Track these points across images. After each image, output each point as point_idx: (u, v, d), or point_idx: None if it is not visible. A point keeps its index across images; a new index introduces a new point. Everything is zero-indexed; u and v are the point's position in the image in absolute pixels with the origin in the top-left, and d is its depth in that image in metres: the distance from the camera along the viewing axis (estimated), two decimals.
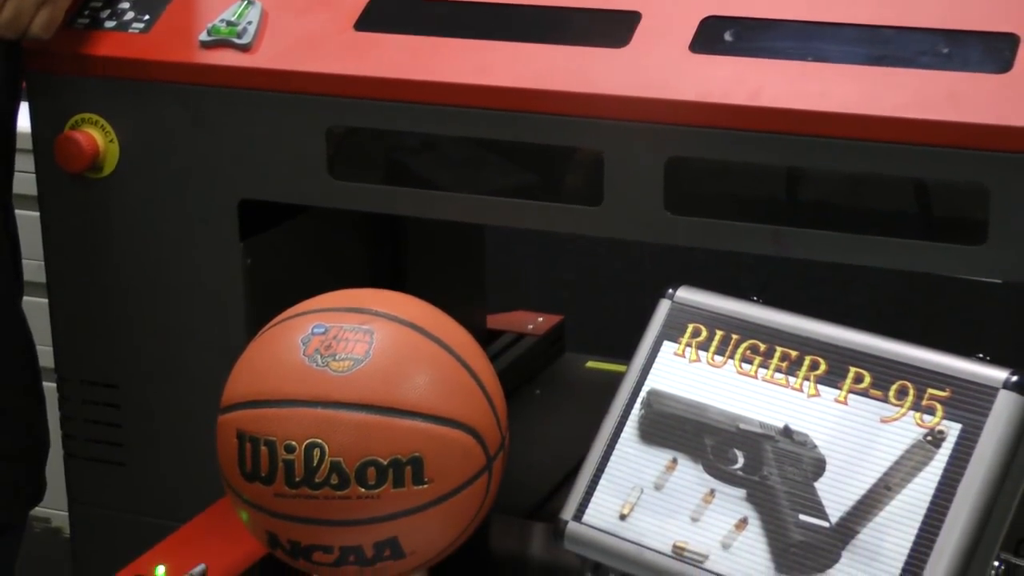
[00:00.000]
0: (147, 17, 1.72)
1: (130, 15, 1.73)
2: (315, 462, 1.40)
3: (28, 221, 1.85)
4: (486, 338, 2.17)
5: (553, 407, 2.09)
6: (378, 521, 1.42)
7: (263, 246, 1.74)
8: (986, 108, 1.40)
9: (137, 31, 1.72)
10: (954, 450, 1.28)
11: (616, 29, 1.56)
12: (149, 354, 1.78)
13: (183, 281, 1.74)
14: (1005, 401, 1.28)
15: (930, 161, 1.42)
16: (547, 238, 2.77)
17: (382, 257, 1.99)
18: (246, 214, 1.71)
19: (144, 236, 1.75)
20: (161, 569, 1.56)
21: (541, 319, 2.27)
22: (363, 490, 1.40)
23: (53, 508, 2.36)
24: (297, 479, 1.40)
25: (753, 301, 1.45)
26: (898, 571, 1.27)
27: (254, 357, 1.49)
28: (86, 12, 1.74)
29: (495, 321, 2.24)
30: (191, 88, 1.69)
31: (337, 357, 1.43)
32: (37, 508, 1.91)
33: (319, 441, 1.40)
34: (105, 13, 1.74)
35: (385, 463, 1.40)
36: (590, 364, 2.22)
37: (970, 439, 1.28)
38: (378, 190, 1.68)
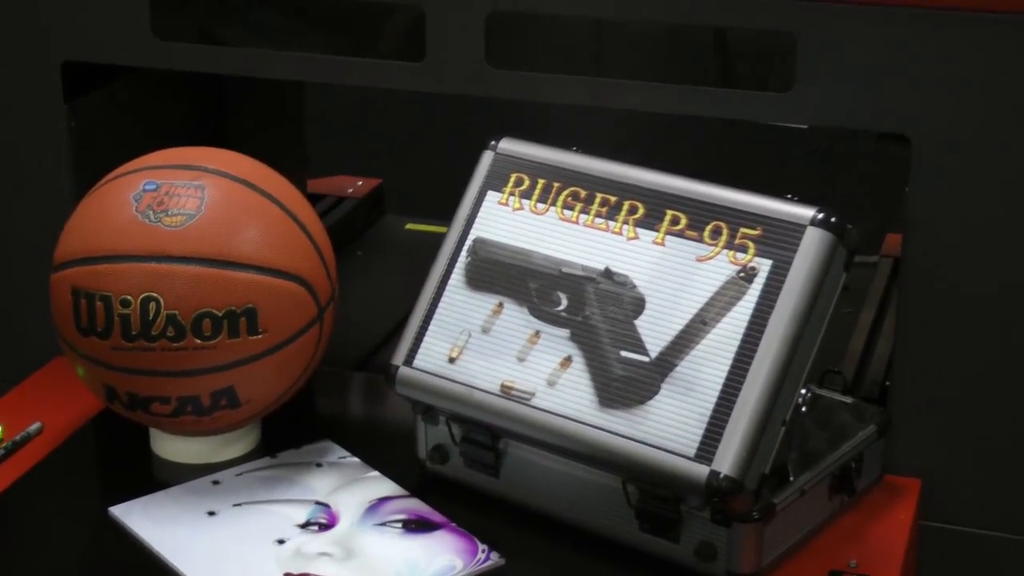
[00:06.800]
0: None
1: None
2: (151, 315, 1.43)
3: None
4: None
5: (375, 268, 2.13)
6: (214, 371, 1.45)
7: (88, 108, 1.74)
8: None
9: None
10: (765, 285, 1.35)
11: None
12: None
13: (7, 143, 1.74)
14: (812, 237, 1.35)
15: (739, 9, 1.48)
16: (365, 103, 2.79)
17: (207, 119, 2.00)
18: (70, 76, 1.71)
19: None
20: None
21: (360, 182, 2.30)
22: (199, 341, 1.43)
23: None
24: (134, 332, 1.43)
25: (573, 151, 1.49)
26: (714, 399, 1.34)
27: (86, 214, 1.50)
28: None
29: (316, 185, 2.27)
30: None
31: (170, 212, 1.45)
32: None
33: (154, 295, 1.43)
34: None
35: (220, 314, 1.44)
36: (409, 226, 2.26)
37: (780, 274, 1.35)
38: (201, 49, 1.69)
